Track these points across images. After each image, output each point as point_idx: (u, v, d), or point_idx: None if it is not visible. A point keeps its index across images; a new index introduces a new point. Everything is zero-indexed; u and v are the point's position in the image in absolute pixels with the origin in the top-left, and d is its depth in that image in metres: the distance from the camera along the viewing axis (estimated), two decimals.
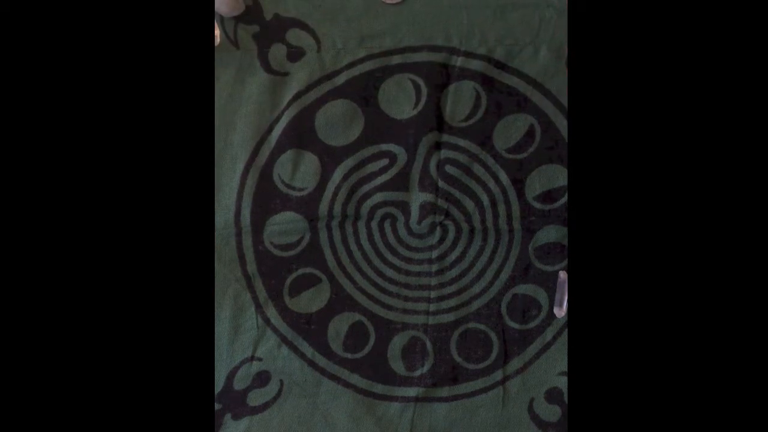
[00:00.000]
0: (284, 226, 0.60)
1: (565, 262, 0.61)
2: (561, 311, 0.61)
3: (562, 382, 0.62)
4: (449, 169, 0.60)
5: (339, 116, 0.59)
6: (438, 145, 0.60)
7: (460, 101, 0.59)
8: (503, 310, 0.62)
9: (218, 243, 0.60)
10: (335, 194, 0.60)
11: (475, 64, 0.59)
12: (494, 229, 0.61)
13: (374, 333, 0.62)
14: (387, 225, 0.61)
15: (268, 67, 0.58)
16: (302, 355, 0.61)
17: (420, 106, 0.59)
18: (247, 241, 0.60)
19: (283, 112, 0.59)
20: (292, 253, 0.61)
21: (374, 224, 0.61)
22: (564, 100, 0.60)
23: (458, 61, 0.59)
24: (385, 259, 0.62)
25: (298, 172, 0.60)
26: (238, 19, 0.57)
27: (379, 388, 0.62)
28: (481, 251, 0.61)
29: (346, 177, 0.60)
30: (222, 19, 0.57)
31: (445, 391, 0.62)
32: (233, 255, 0.60)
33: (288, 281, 0.61)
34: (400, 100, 0.59)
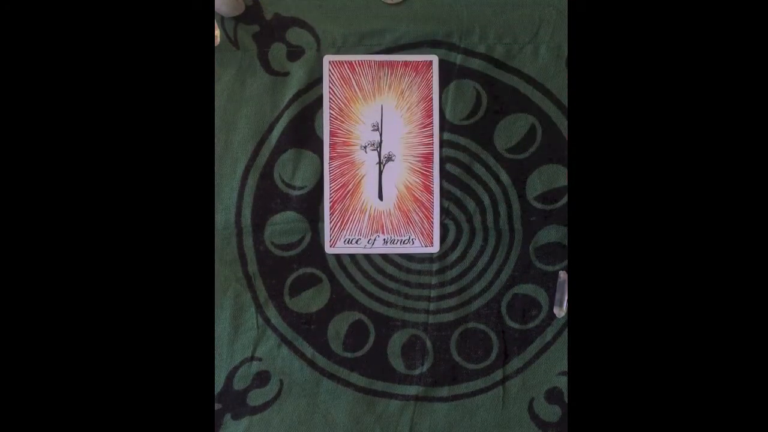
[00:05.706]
0: (285, 225, 0.60)
1: (565, 262, 0.61)
2: (561, 311, 0.61)
3: (562, 382, 0.62)
4: (450, 168, 0.60)
5: None
6: (439, 144, 0.60)
7: (461, 100, 0.59)
8: (503, 310, 0.62)
9: (219, 243, 0.60)
10: None
11: (475, 63, 0.59)
12: (495, 229, 0.61)
13: (374, 330, 0.62)
14: None
15: (268, 67, 0.58)
16: (302, 355, 0.61)
17: None
18: (248, 241, 0.60)
19: (283, 112, 0.59)
20: (292, 252, 0.61)
21: None
22: (564, 99, 0.59)
23: (458, 59, 0.59)
24: (386, 256, 0.62)
25: (299, 171, 0.60)
26: (238, 19, 0.57)
27: (379, 386, 0.62)
28: (481, 251, 0.61)
29: None
30: (222, 19, 0.57)
31: (444, 391, 0.62)
32: (234, 255, 0.60)
33: (288, 281, 0.61)
34: None
